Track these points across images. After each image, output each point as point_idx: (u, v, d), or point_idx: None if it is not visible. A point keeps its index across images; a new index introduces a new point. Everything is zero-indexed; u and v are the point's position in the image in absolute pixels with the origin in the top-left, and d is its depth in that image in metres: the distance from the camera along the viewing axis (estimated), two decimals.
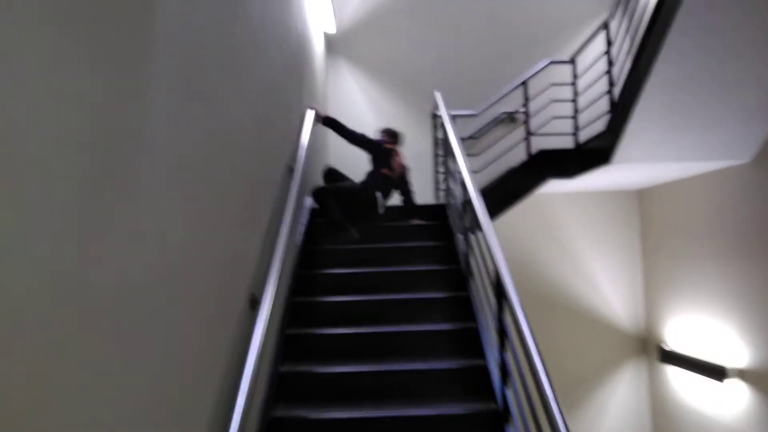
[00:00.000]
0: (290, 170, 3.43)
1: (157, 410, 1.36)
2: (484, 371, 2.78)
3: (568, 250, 6.16)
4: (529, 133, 4.87)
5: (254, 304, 2.40)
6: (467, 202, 3.34)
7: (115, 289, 1.15)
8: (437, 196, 5.45)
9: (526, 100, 4.97)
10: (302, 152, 3.65)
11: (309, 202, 4.31)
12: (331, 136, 6.05)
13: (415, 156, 6.13)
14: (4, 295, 0.84)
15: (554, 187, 5.08)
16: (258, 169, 2.64)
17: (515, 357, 2.35)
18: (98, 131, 1.11)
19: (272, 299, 2.36)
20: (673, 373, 5.57)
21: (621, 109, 3.94)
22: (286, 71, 3.51)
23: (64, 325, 0.99)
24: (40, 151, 0.93)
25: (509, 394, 2.47)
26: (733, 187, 4.59)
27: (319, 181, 4.80)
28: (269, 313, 2.28)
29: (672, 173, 4.98)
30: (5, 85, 0.85)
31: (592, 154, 4.38)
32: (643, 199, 6.17)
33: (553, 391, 1.79)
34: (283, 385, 2.75)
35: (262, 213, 2.70)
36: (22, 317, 0.88)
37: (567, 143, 4.88)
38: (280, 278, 2.58)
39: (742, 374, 4.53)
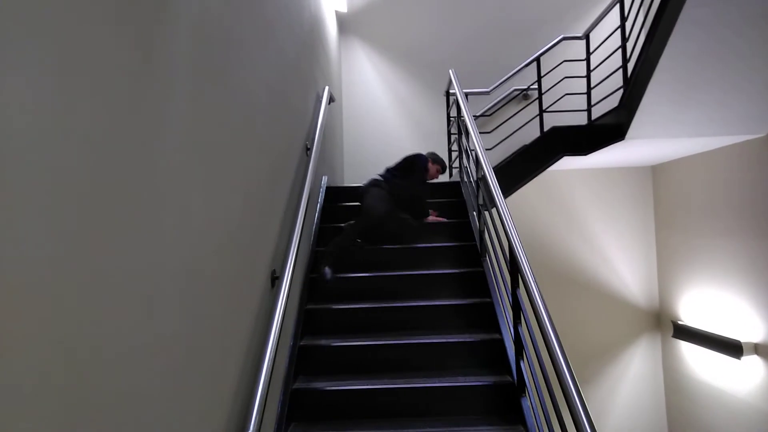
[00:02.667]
0: (307, 150, 3.48)
1: (185, 382, 1.43)
2: (499, 345, 2.84)
3: (582, 226, 6.17)
4: (542, 110, 4.86)
5: (274, 280, 2.46)
6: (481, 179, 3.37)
7: (138, 270, 1.20)
8: (451, 174, 5.47)
9: (539, 76, 4.95)
10: (318, 132, 3.69)
11: (325, 180, 4.36)
12: (346, 116, 6.08)
13: (428, 134, 6.16)
14: (32, 282, 0.90)
15: (568, 163, 5.07)
16: (275, 149, 2.68)
17: (530, 331, 2.40)
18: (115, 113, 1.15)
19: (291, 276, 2.43)
20: (686, 348, 5.60)
21: (635, 84, 3.91)
22: (299, 51, 3.53)
23: (92, 309, 1.05)
24: (56, 138, 0.99)
25: (524, 367, 2.53)
26: (749, 162, 4.56)
27: (336, 163, 4.82)
28: (289, 289, 2.35)
29: (687, 148, 4.95)
30: (22, 74, 0.90)
31: (605, 130, 4.36)
32: (657, 174, 6.14)
33: (568, 363, 1.83)
34: (303, 358, 2.83)
35: (280, 192, 2.75)
36: (53, 300, 0.94)
37: (580, 119, 4.86)
38: (298, 255, 2.65)
39: (756, 349, 4.55)
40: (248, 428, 1.72)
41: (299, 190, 3.08)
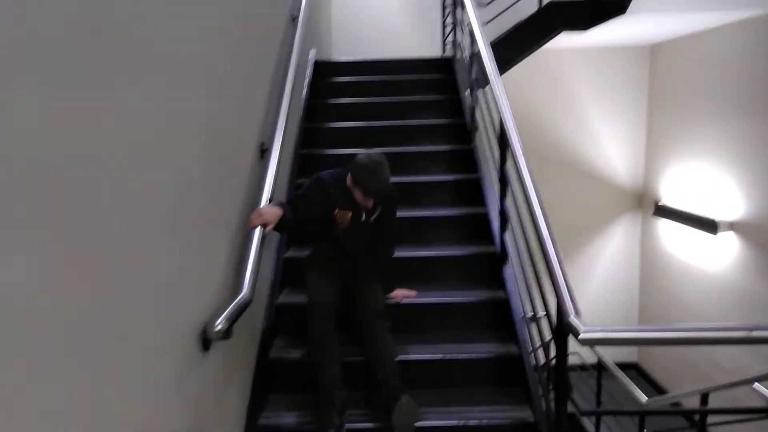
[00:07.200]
0: (293, 19, 3.31)
1: (175, 246, 1.46)
2: (485, 219, 2.92)
3: (574, 107, 6.10)
4: None
5: (263, 152, 2.45)
6: (475, 55, 3.27)
7: (119, 133, 1.17)
8: (444, 49, 5.27)
9: None
10: (305, 0, 3.48)
11: (313, 54, 4.20)
12: None
13: (421, 6, 5.85)
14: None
15: (565, 41, 4.89)
16: (259, 17, 2.55)
17: (515, 203, 2.46)
18: None
19: (280, 148, 2.42)
20: (664, 226, 5.81)
21: None
22: None
23: (70, 181, 1.04)
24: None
25: (507, 238, 2.62)
26: (750, 40, 4.43)
27: (324, 36, 4.59)
28: (278, 162, 2.35)
29: (689, 25, 4.77)
30: None
31: (606, 3, 4.16)
32: (655, 54, 5.97)
33: (551, 232, 1.90)
34: (293, 232, 2.89)
35: (265, 62, 2.66)
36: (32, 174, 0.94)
37: None
38: (287, 130, 2.62)
39: (732, 226, 4.72)
40: (242, 290, 1.80)
41: (286, 62, 2.97)
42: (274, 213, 2.05)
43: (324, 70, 4.23)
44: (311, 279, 2.33)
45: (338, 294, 2.30)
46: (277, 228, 2.09)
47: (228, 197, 1.96)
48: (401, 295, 2.51)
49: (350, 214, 2.27)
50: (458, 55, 4.11)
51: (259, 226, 1.99)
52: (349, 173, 2.19)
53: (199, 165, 1.64)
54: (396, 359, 2.19)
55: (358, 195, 2.19)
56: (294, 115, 3.31)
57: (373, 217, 2.33)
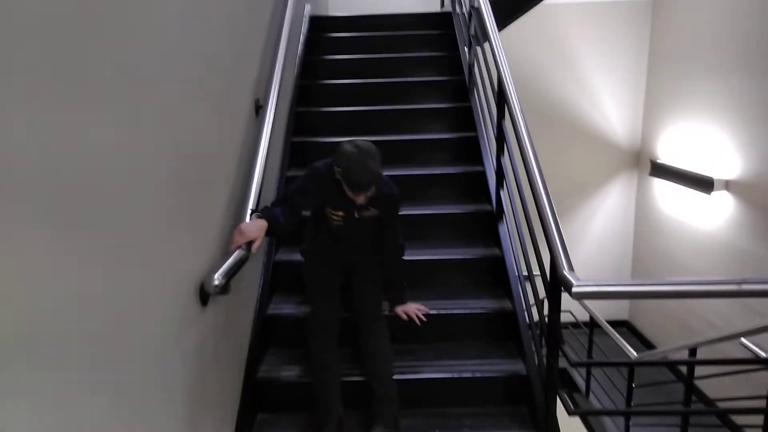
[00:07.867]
0: None
1: (171, 200, 1.46)
2: (481, 177, 2.92)
3: (573, 63, 6.02)
4: None
5: (258, 109, 2.43)
6: (474, 10, 3.20)
7: (116, 81, 1.16)
8: (443, 4, 5.16)
9: None
10: None
11: (308, 9, 4.11)
12: None
13: None
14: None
15: None
16: None
17: (512, 160, 2.46)
18: None
19: (275, 105, 2.39)
20: (660, 185, 5.81)
21: None
22: None
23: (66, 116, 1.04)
24: None
25: (503, 195, 2.63)
26: None
27: None
28: (273, 119, 2.34)
29: None
30: None
31: None
32: (656, 8, 5.85)
33: (546, 188, 1.90)
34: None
35: (259, 18, 2.61)
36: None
37: None
38: (282, 87, 2.59)
39: (727, 185, 4.73)
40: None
41: (280, 17, 2.91)
42: (258, 227, 1.83)
43: (320, 25, 4.15)
44: (311, 290, 2.25)
45: (338, 307, 2.21)
46: (267, 233, 1.89)
47: (225, 153, 1.96)
48: (413, 310, 2.28)
49: (341, 212, 2.08)
50: (457, 10, 4.03)
51: (244, 246, 1.77)
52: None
53: (197, 119, 1.63)
54: (392, 371, 2.11)
55: (346, 188, 1.93)
56: (289, 71, 3.27)
57: (368, 214, 2.10)
